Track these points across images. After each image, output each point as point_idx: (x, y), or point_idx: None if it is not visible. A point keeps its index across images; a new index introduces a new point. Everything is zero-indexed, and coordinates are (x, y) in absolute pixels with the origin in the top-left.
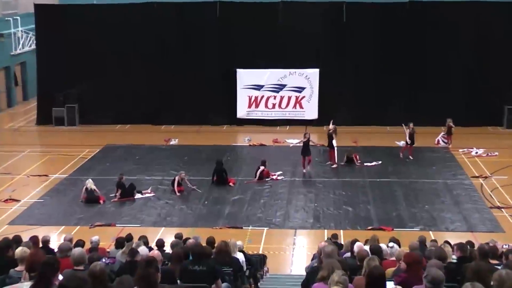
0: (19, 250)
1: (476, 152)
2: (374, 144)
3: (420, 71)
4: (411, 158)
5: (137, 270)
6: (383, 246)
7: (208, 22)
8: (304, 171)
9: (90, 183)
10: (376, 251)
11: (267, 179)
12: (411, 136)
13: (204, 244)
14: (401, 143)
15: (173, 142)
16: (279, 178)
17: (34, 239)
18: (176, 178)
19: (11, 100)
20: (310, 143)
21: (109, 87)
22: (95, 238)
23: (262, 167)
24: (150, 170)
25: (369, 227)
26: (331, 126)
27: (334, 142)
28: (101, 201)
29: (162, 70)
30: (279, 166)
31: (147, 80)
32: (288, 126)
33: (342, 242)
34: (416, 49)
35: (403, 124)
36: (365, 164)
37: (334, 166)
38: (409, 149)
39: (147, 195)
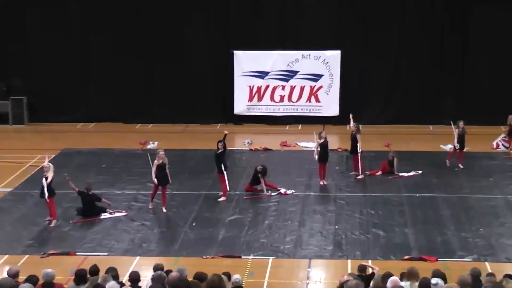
0: None
1: None
2: (413, 149)
3: (473, 56)
4: (461, 166)
5: None
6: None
7: None
8: (322, 183)
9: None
10: None
11: (274, 193)
12: (461, 138)
13: (191, 279)
14: (448, 147)
15: (151, 145)
16: (288, 192)
17: None
18: (155, 162)
19: None
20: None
21: (67, 76)
22: (48, 271)
23: (262, 179)
24: (121, 182)
25: (407, 257)
26: (352, 125)
27: (359, 146)
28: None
29: (135, 53)
30: (288, 177)
31: (117, 67)
32: (300, 125)
33: (371, 276)
34: (467, 31)
35: (451, 123)
36: (401, 174)
37: (360, 176)
38: (459, 155)
39: (117, 214)
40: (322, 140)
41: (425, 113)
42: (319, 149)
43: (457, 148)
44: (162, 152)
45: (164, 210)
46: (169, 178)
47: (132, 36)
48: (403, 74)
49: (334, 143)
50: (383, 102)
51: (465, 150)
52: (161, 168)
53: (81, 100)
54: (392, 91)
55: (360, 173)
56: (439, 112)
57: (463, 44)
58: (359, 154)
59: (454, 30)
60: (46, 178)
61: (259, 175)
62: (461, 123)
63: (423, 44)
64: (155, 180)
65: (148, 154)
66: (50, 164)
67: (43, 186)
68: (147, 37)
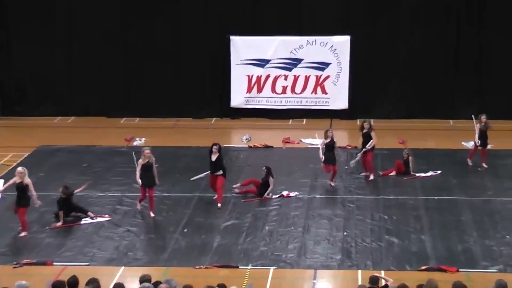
0: None
1: None
2: (431, 146)
3: (496, 43)
4: (485, 166)
5: None
6: None
7: None
8: (332, 183)
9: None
10: None
11: (274, 196)
12: (483, 134)
13: None
14: (471, 145)
15: (138, 142)
16: (291, 194)
17: None
18: (139, 162)
19: None
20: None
21: (44, 64)
22: (22, 283)
23: (271, 178)
24: (104, 183)
25: (424, 267)
26: (365, 124)
27: (370, 143)
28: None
29: (120, 39)
30: (291, 178)
31: (100, 54)
32: (304, 120)
33: None
34: (486, 19)
35: (472, 116)
36: (418, 175)
37: (371, 177)
38: (482, 153)
39: (99, 219)
40: (328, 140)
41: (445, 106)
42: (324, 150)
43: (478, 144)
44: (147, 150)
45: (152, 214)
46: (156, 180)
47: (116, 21)
48: (420, 62)
49: (343, 140)
50: (398, 94)
51: (488, 147)
52: (146, 168)
53: (59, 91)
54: (407, 81)
55: (371, 173)
56: (459, 105)
57: (482, 30)
58: (371, 153)
59: (471, 17)
60: (23, 187)
61: (265, 176)
62: (483, 117)
63: (442, 28)
64: (139, 181)
65: (133, 152)
66: (25, 169)
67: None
68: (133, 22)
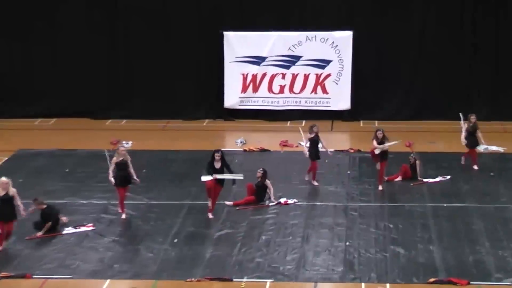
0: None
1: None
2: (440, 150)
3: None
4: (476, 168)
5: None
6: None
7: None
8: (315, 182)
9: None
10: None
11: (271, 203)
12: (471, 135)
13: None
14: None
15: (125, 145)
16: (289, 202)
17: None
18: (113, 160)
19: None
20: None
21: (24, 62)
22: None
23: (268, 181)
24: (88, 190)
25: (432, 280)
26: (379, 133)
27: (386, 144)
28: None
29: (106, 34)
30: (289, 184)
31: (84, 50)
32: (304, 122)
33: None
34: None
35: (460, 115)
36: (426, 180)
37: (380, 188)
38: (471, 154)
39: (82, 229)
40: (313, 135)
41: (455, 107)
42: (308, 145)
43: (464, 144)
44: (122, 148)
45: (124, 216)
46: (135, 177)
47: (101, 15)
48: (429, 59)
49: (345, 143)
50: (404, 94)
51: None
52: (121, 166)
53: (39, 91)
54: (415, 80)
55: (380, 183)
56: (471, 105)
57: (498, 24)
58: (385, 162)
59: (488, 11)
60: (9, 199)
61: (261, 179)
62: (472, 117)
63: (453, 24)
64: (112, 180)
65: (106, 151)
66: (9, 178)
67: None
68: (119, 16)
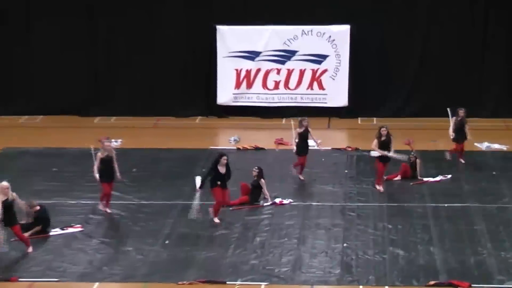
0: None
1: None
2: (440, 148)
3: None
4: (462, 161)
5: None
6: None
7: None
8: (301, 177)
9: None
10: None
11: (266, 204)
12: (459, 129)
13: None
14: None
15: (114, 143)
16: (285, 202)
17: None
18: (98, 155)
19: None
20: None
21: (9, 57)
22: None
23: (263, 180)
24: (77, 190)
25: (433, 282)
26: (383, 130)
27: (392, 153)
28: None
29: (93, 28)
30: (285, 183)
31: (72, 46)
32: (305, 118)
33: None
34: None
35: (448, 110)
36: (426, 179)
37: (380, 190)
38: (458, 149)
39: (71, 230)
40: (302, 130)
41: (456, 103)
42: (297, 140)
43: (452, 138)
44: (107, 143)
45: (109, 211)
46: (118, 174)
47: (90, 8)
48: (431, 53)
49: (342, 141)
50: (404, 90)
51: (465, 142)
52: (106, 162)
53: (25, 88)
54: (415, 75)
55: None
56: (473, 102)
57: (509, 20)
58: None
59: (499, 4)
60: (10, 204)
61: (257, 178)
62: (461, 111)
63: (461, 16)
64: (97, 175)
65: (92, 148)
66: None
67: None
68: (106, 10)
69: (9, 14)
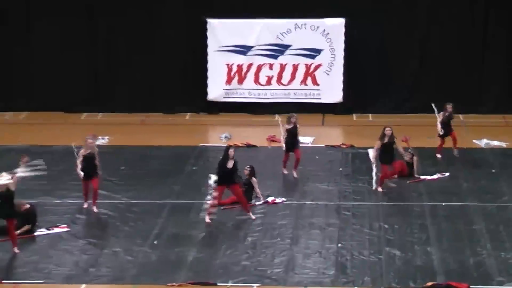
0: None
1: None
2: (441, 147)
3: None
4: (439, 156)
5: None
6: None
7: None
8: (286, 172)
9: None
10: None
11: (258, 202)
12: (445, 124)
13: None
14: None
15: (101, 141)
16: (278, 201)
17: None
18: (81, 152)
19: None
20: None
21: (9, 57)
22: None
23: (254, 179)
24: (62, 189)
25: (430, 283)
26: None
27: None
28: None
29: (81, 23)
30: (278, 181)
31: (57, 40)
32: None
33: None
34: None
35: (433, 105)
36: (423, 178)
37: (379, 189)
38: (440, 144)
39: (56, 230)
40: (291, 126)
41: (454, 99)
42: (286, 136)
43: (441, 134)
44: (90, 140)
45: (96, 210)
46: (99, 172)
47: (74, 3)
48: (430, 50)
49: (337, 138)
50: (400, 85)
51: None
52: (88, 159)
53: (9, 83)
54: (412, 70)
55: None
56: (472, 98)
57: (509, 16)
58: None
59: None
60: (10, 194)
61: (248, 177)
62: (449, 106)
63: (461, 16)
64: (81, 173)
65: (74, 146)
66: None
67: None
68: (94, 3)
69: (9, 14)
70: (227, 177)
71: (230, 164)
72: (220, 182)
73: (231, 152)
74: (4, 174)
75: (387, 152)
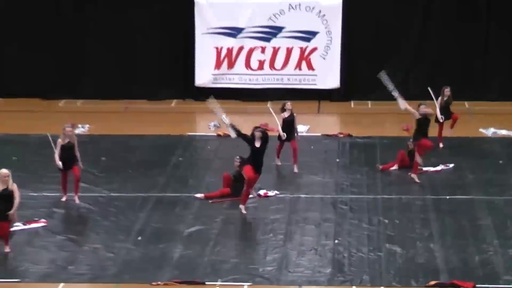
0: None
1: None
2: (441, 134)
3: None
4: (441, 145)
5: None
6: None
7: None
8: (279, 163)
9: None
10: None
11: (250, 195)
12: (445, 109)
13: None
14: (490, 132)
15: (81, 129)
16: (270, 194)
17: None
18: (59, 142)
19: None
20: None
21: None
22: None
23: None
24: (39, 182)
25: (433, 282)
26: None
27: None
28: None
29: (57, 6)
30: (270, 173)
31: (33, 21)
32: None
33: None
34: None
35: (429, 89)
36: (426, 169)
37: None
38: (439, 130)
39: (33, 225)
40: (287, 115)
41: (459, 85)
42: (280, 125)
43: (442, 121)
44: (69, 129)
45: (77, 201)
46: (80, 163)
47: None
48: (431, 31)
49: (333, 127)
50: (401, 70)
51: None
52: (67, 148)
53: None
54: (413, 54)
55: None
56: (478, 84)
57: None
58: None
59: None
60: (9, 194)
61: (239, 169)
62: (447, 90)
63: None
64: (60, 163)
65: (49, 136)
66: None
67: None
68: None
69: None
70: (255, 160)
71: (258, 143)
72: (248, 161)
73: (257, 132)
74: (4, 170)
75: (421, 130)
